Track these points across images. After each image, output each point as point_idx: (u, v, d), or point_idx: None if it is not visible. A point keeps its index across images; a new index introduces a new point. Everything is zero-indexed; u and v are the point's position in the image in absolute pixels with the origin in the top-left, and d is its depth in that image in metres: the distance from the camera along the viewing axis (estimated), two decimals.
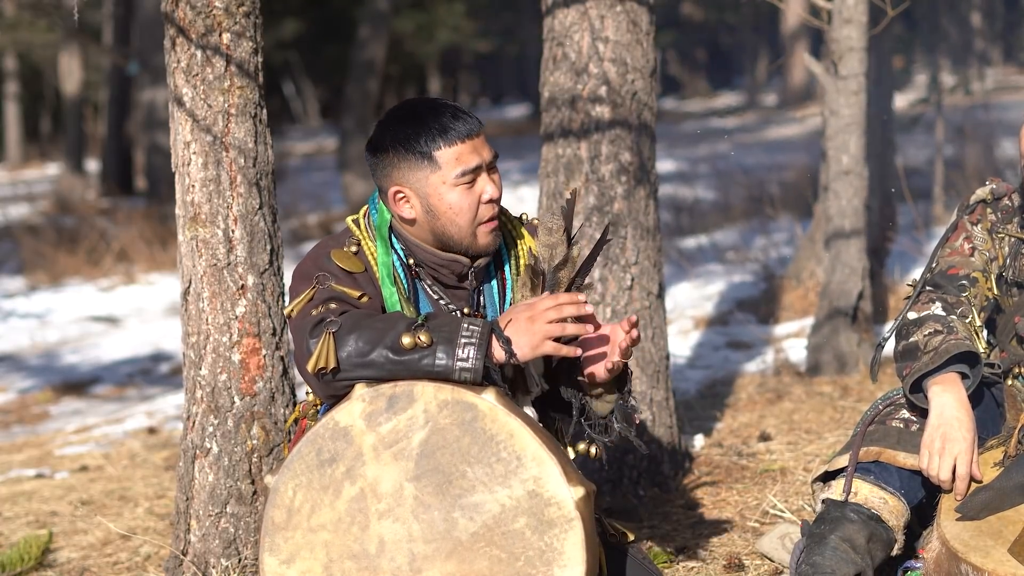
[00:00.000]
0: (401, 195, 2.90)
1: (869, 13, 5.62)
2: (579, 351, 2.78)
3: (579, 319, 2.77)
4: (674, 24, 27.13)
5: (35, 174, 23.34)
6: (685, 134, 18.56)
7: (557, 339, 2.75)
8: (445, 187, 2.87)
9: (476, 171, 2.88)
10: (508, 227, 3.05)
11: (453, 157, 2.86)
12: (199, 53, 3.61)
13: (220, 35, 3.61)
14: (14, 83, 26.01)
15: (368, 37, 14.93)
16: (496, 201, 2.91)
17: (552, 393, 2.98)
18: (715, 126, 20.17)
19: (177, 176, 3.70)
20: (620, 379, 2.96)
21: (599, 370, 2.88)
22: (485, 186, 2.90)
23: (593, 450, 3.00)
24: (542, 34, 4.44)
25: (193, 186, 3.65)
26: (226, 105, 3.63)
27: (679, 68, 28.95)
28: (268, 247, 3.70)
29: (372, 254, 2.95)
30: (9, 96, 26.27)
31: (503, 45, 30.01)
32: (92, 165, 21.51)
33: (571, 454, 3.01)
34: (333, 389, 2.78)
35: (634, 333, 2.84)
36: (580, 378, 2.94)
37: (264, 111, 3.72)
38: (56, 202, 16.98)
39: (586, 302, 2.79)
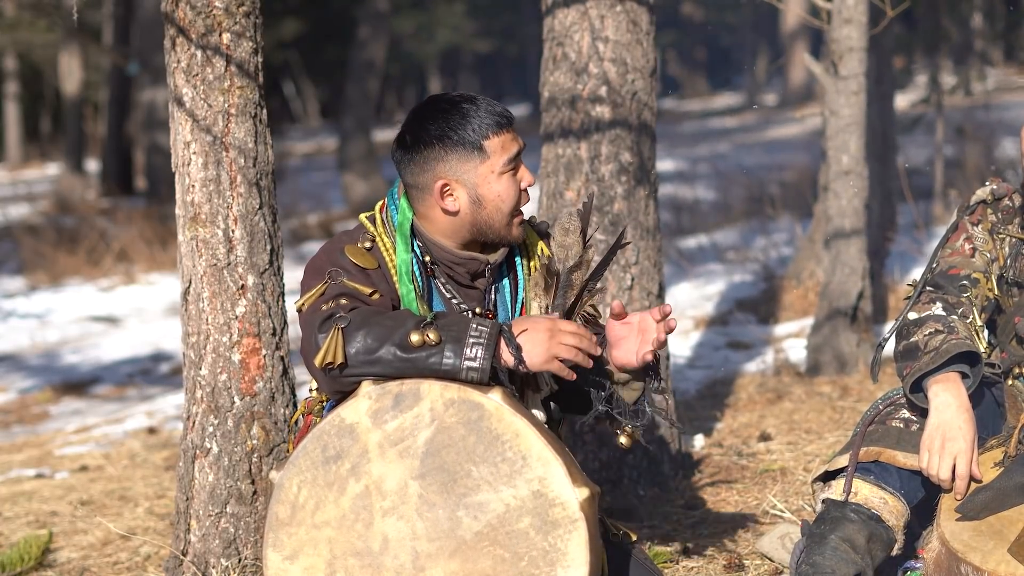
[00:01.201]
0: (447, 188, 2.90)
1: (869, 13, 5.62)
2: (574, 376, 2.80)
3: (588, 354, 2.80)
4: (674, 24, 27.14)
5: (35, 174, 23.35)
6: (685, 134, 18.56)
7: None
8: (494, 176, 2.88)
9: (518, 158, 2.91)
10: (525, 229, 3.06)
11: (500, 146, 2.88)
12: (199, 53, 3.61)
13: (220, 35, 3.61)
14: (14, 83, 26.01)
15: (368, 37, 14.94)
16: (528, 189, 2.95)
17: (562, 392, 2.99)
18: (715, 126, 20.17)
19: (177, 176, 3.70)
20: (646, 367, 2.96)
21: (630, 359, 2.89)
22: (524, 173, 2.93)
23: (632, 431, 2.99)
24: (542, 34, 4.44)
25: (193, 186, 3.65)
26: (226, 105, 3.63)
27: (679, 68, 28.95)
28: (268, 247, 3.70)
29: (387, 250, 2.95)
30: (9, 96, 26.27)
31: (503, 45, 30.02)
32: (92, 165, 21.52)
33: (623, 441, 3.00)
34: (340, 385, 2.78)
35: (672, 323, 2.86)
36: (607, 367, 2.94)
37: (264, 111, 3.72)
38: (56, 202, 16.99)
39: (598, 343, 2.82)
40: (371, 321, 2.75)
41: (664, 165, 14.01)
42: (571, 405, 3.04)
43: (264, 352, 3.69)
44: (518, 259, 3.04)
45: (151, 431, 6.32)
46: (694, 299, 8.06)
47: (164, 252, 12.09)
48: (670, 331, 2.88)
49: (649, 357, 2.88)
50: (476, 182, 2.89)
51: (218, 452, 3.68)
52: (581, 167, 4.34)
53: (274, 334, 3.71)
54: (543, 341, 2.75)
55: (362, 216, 3.02)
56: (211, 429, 3.68)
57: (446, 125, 2.88)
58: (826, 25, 5.75)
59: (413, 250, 2.96)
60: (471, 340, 2.71)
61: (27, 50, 23.71)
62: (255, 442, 3.69)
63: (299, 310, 2.88)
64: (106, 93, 19.70)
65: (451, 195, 2.90)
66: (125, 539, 4.42)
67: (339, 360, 2.73)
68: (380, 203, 3.03)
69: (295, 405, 3.75)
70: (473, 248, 2.96)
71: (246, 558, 3.68)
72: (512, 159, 2.89)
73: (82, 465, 5.70)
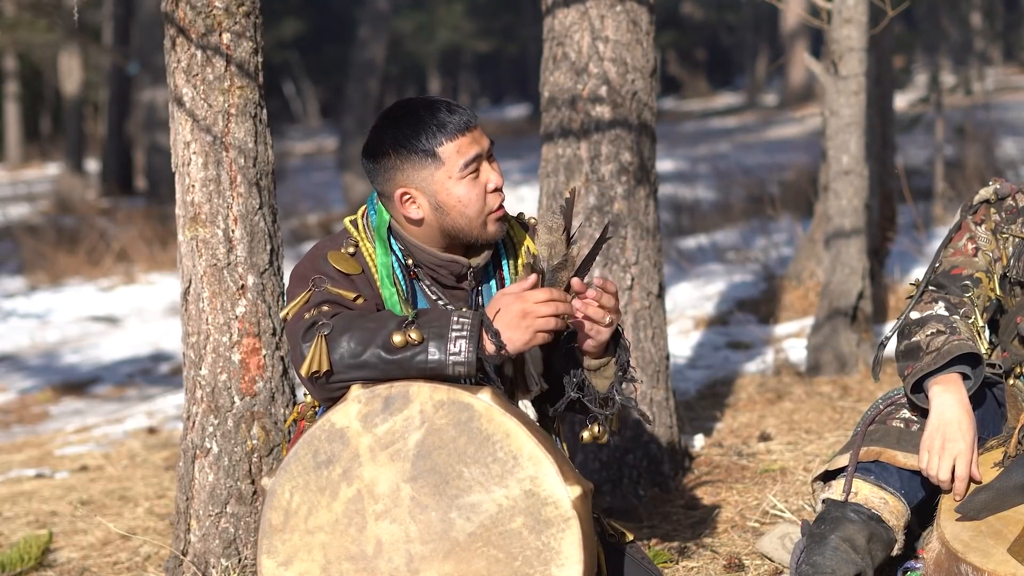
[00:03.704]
0: (407, 196, 2.89)
1: (869, 13, 5.61)
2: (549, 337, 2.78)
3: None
4: (674, 24, 27.14)
5: (35, 174, 23.36)
6: (685, 134, 18.57)
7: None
8: (452, 181, 2.87)
9: (478, 160, 2.89)
10: (507, 223, 3.05)
11: (455, 150, 2.87)
12: (199, 53, 3.61)
13: (220, 35, 3.61)
14: (14, 83, 26.02)
15: (368, 37, 14.94)
16: (500, 189, 2.92)
17: (553, 392, 2.98)
18: (715, 126, 20.18)
19: (177, 176, 3.70)
20: (612, 344, 2.93)
21: (588, 340, 2.86)
22: (489, 175, 2.91)
23: (597, 430, 2.96)
24: (542, 34, 4.44)
25: (193, 186, 3.65)
26: (226, 105, 3.63)
27: (679, 68, 28.95)
28: (268, 247, 3.70)
29: (370, 255, 2.94)
30: (9, 96, 26.28)
31: (503, 45, 30.03)
32: (92, 165, 21.54)
33: (585, 436, 2.98)
34: (329, 391, 2.78)
35: (610, 286, 2.82)
36: (577, 355, 2.92)
37: (264, 111, 3.72)
38: (56, 202, 17.02)
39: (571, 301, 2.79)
40: (353, 325, 2.75)
41: (664, 165, 14.01)
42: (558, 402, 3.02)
43: (264, 352, 3.69)
44: (504, 259, 3.03)
45: (151, 431, 6.32)
46: (694, 299, 8.06)
47: (164, 252, 12.09)
48: (593, 299, 2.81)
49: (593, 332, 2.82)
50: (435, 189, 2.88)
51: (218, 452, 3.68)
52: (581, 167, 4.34)
53: (274, 334, 3.71)
54: (518, 324, 2.73)
55: (346, 220, 3.02)
56: (211, 429, 3.68)
57: (399, 133, 2.88)
58: (826, 25, 5.75)
59: (394, 252, 2.95)
60: (453, 334, 2.70)
61: (27, 50, 23.71)
62: (255, 442, 3.69)
63: (284, 319, 2.88)
64: (106, 93, 19.73)
65: (413, 203, 2.90)
66: (125, 539, 4.42)
67: (324, 368, 2.73)
68: (363, 208, 3.03)
69: (295, 405, 3.75)
70: (455, 250, 2.95)
71: (246, 558, 3.68)
72: (470, 162, 2.87)
73: (82, 465, 5.70)
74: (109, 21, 19.83)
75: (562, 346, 2.93)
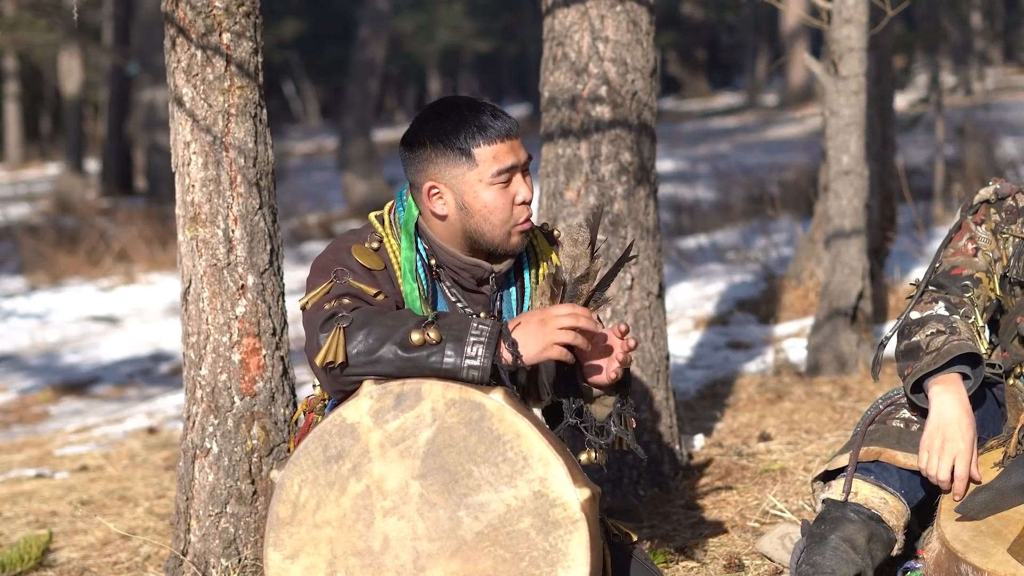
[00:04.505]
0: (435, 191, 2.90)
1: (869, 13, 5.62)
2: (573, 359, 2.79)
3: (588, 333, 2.79)
4: (674, 24, 27.15)
5: (35, 174, 23.38)
6: (685, 134, 18.57)
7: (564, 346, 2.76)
8: (481, 185, 2.87)
9: (512, 171, 2.88)
10: (530, 234, 3.05)
11: (491, 156, 2.86)
12: (199, 53, 3.61)
13: (220, 35, 3.61)
14: (14, 83, 26.04)
15: (368, 37, 14.95)
16: (529, 203, 2.92)
17: (554, 411, 2.98)
18: (715, 126, 20.18)
19: (177, 176, 3.70)
20: (620, 382, 2.96)
21: (601, 376, 2.89)
22: (520, 187, 2.90)
23: (594, 455, 2.98)
24: (542, 34, 4.44)
25: (193, 186, 3.65)
26: (226, 105, 3.63)
27: (679, 68, 28.96)
28: (268, 247, 3.70)
29: (393, 251, 2.95)
30: (9, 96, 26.30)
31: (503, 45, 30.05)
32: (92, 165, 21.56)
33: (582, 458, 2.99)
34: (341, 384, 2.78)
35: (630, 342, 2.85)
36: (582, 384, 2.93)
37: (264, 111, 3.72)
38: (56, 202, 17.04)
39: (598, 320, 2.80)
40: (373, 320, 2.75)
41: (664, 165, 14.02)
42: (563, 417, 3.03)
43: (264, 352, 3.69)
44: (526, 268, 3.03)
45: (151, 431, 6.32)
46: (694, 299, 8.06)
47: (164, 252, 12.10)
48: (631, 348, 2.86)
49: (614, 374, 2.86)
50: (463, 189, 2.88)
51: (218, 452, 3.68)
52: (581, 167, 4.34)
53: (274, 334, 3.71)
54: (536, 331, 2.74)
55: (371, 215, 3.03)
56: (211, 429, 3.68)
57: (440, 128, 2.88)
58: (826, 25, 5.75)
59: (418, 251, 2.95)
60: (472, 339, 2.71)
61: (27, 50, 23.73)
62: (255, 442, 3.69)
63: (303, 308, 2.89)
64: (106, 93, 19.75)
65: (440, 198, 2.90)
66: (125, 539, 4.42)
67: (340, 359, 2.74)
68: (389, 203, 3.04)
69: (295, 405, 3.75)
70: (479, 255, 2.95)
71: (246, 558, 3.68)
72: (504, 171, 2.87)
73: (82, 465, 5.70)
74: (109, 21, 19.85)
75: (564, 375, 2.94)
